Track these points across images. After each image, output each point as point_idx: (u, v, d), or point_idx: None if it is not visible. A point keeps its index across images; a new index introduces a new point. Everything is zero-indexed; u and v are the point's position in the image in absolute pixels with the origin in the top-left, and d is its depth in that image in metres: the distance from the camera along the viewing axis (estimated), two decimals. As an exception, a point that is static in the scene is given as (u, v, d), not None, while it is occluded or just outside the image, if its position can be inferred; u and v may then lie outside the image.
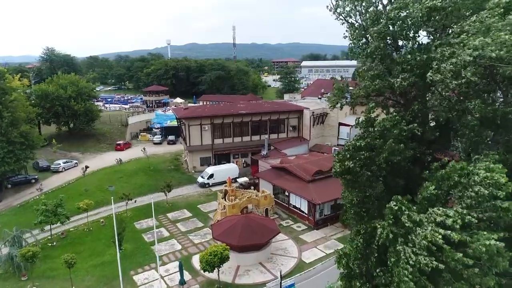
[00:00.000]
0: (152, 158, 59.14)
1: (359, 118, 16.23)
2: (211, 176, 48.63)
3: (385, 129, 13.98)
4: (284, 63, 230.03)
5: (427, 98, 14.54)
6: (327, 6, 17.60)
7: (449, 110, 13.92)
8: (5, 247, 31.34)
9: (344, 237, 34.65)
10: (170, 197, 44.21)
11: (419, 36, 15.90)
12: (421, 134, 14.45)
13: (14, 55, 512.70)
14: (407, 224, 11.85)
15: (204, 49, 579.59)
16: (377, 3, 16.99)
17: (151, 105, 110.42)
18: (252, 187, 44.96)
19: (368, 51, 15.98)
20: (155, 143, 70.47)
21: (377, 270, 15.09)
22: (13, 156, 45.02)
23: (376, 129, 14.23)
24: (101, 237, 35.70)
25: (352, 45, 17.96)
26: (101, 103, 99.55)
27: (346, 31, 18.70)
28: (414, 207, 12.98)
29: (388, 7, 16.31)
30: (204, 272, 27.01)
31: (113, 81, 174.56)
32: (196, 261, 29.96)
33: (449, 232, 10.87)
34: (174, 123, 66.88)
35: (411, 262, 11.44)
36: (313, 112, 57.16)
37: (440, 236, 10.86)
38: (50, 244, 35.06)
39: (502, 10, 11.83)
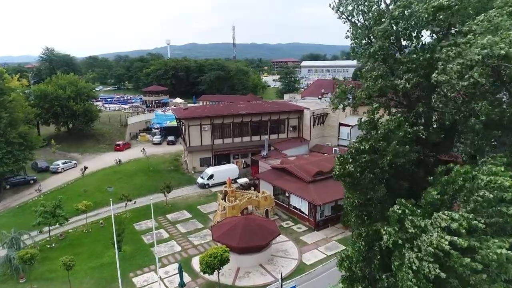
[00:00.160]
0: (152, 158, 58.85)
1: (361, 118, 15.94)
2: (211, 176, 48.36)
3: (389, 130, 13.67)
4: (284, 63, 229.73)
5: (433, 100, 14.20)
6: (330, 5, 17.33)
7: (455, 112, 13.61)
8: (3, 249, 31.06)
9: (345, 238, 34.42)
10: (169, 198, 43.93)
11: (422, 36, 15.61)
12: (426, 136, 14.13)
13: (14, 55, 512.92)
14: (410, 230, 11.57)
15: (204, 49, 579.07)
16: (379, 2, 16.72)
17: (150, 105, 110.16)
18: (252, 188, 44.70)
19: (371, 50, 15.67)
20: (154, 144, 70.20)
21: (381, 274, 14.84)
22: (11, 157, 44.75)
23: (380, 131, 13.90)
24: (100, 239, 35.41)
25: (355, 44, 17.68)
26: (100, 103, 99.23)
27: (348, 30, 18.44)
28: (419, 211, 12.72)
29: (391, 6, 16.02)
30: (204, 274, 26.75)
31: (112, 81, 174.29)
32: (196, 263, 29.70)
33: (455, 238, 10.58)
34: (174, 123, 66.60)
35: (414, 267, 11.17)
36: (313, 113, 56.91)
37: (446, 242, 10.57)
38: (48, 246, 34.77)
39: (510, 9, 11.53)
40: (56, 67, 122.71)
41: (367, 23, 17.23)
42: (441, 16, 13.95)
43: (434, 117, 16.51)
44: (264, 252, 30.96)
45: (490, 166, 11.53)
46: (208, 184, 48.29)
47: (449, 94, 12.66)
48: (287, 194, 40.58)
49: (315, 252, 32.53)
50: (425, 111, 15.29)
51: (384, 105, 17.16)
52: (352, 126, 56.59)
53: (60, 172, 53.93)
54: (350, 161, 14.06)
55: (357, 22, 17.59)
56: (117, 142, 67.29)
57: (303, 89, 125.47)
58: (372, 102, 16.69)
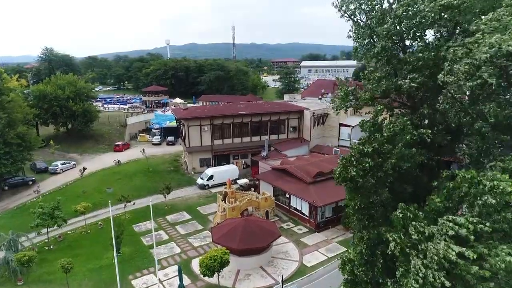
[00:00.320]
0: (151, 159, 58.57)
1: (364, 120, 15.62)
2: (211, 177, 48.07)
3: (395, 133, 13.33)
4: (283, 63, 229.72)
5: (440, 101, 13.87)
6: (333, 3, 17.02)
7: (462, 114, 13.27)
8: (1, 251, 30.72)
9: (346, 240, 34.18)
10: (169, 199, 43.63)
11: (425, 35, 15.28)
12: (432, 138, 13.81)
13: (14, 55, 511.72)
14: (413, 237, 11.28)
15: (204, 49, 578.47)
16: (382, 1, 16.40)
17: (150, 106, 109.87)
18: (252, 189, 44.42)
19: (375, 51, 15.34)
20: (154, 144, 69.95)
21: (384, 278, 14.55)
22: (9, 157, 44.47)
23: (385, 133, 13.55)
24: (99, 240, 35.06)
25: (357, 44, 17.37)
26: (100, 104, 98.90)
27: (350, 30, 18.14)
28: (421, 213, 12.43)
29: (394, 5, 15.71)
30: (204, 277, 26.45)
31: (112, 81, 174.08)
32: (195, 265, 29.40)
33: (464, 249, 10.27)
34: (173, 123, 66.34)
35: (420, 275, 10.87)
36: (313, 113, 56.62)
37: (454, 253, 10.27)
38: (47, 248, 34.46)
39: None
40: (56, 67, 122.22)
41: (369, 22, 16.93)
42: (447, 15, 13.61)
43: (439, 119, 16.19)
44: (265, 254, 30.67)
45: (495, 173, 11.26)
46: (208, 185, 48.00)
47: (456, 96, 12.32)
48: (287, 195, 40.29)
49: (316, 254, 32.23)
50: (430, 112, 14.96)
51: (387, 106, 16.85)
52: (353, 127, 56.33)
53: (59, 173, 53.62)
54: (354, 163, 13.73)
55: (359, 21, 17.27)
56: (117, 143, 67.03)
57: (303, 89, 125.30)
58: (375, 104, 16.36)
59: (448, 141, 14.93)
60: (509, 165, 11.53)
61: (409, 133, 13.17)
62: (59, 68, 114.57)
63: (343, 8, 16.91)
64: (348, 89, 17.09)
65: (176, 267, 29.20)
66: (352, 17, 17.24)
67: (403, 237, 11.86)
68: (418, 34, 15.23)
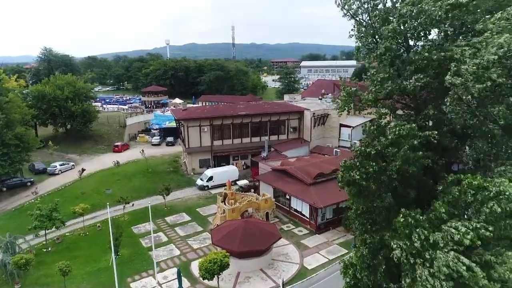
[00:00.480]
0: (151, 160, 58.23)
1: (368, 124, 15.27)
2: (210, 178, 47.74)
3: (400, 136, 12.94)
4: (283, 63, 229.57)
5: (447, 103, 13.51)
6: (336, 1, 16.67)
7: (469, 116, 12.90)
8: (-2, 254, 30.41)
9: (347, 241, 33.89)
10: (168, 200, 43.30)
11: (430, 34, 14.92)
12: (438, 140, 13.43)
13: (14, 55, 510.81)
14: (416, 244, 10.96)
15: (203, 49, 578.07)
16: (385, 0, 16.06)
17: (149, 106, 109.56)
18: (252, 190, 44.13)
19: (378, 52, 14.98)
20: (153, 145, 69.60)
21: (388, 283, 14.25)
22: (7, 159, 44.13)
23: (390, 136, 13.17)
24: (98, 242, 34.72)
25: (360, 44, 17.02)
26: (99, 104, 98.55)
27: (352, 30, 17.81)
28: (424, 218, 12.09)
29: (398, 4, 15.37)
30: (203, 280, 26.13)
31: (111, 81, 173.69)
32: (195, 267, 29.09)
33: (474, 265, 9.93)
34: (173, 124, 66.04)
35: (428, 286, 10.53)
36: (314, 113, 56.29)
37: (464, 268, 9.93)
38: (44, 250, 34.10)
39: None
40: (55, 67, 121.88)
41: (372, 22, 16.59)
42: (454, 14, 13.24)
43: (445, 121, 15.84)
44: (265, 256, 30.35)
45: (503, 180, 10.93)
46: (207, 186, 47.68)
47: (463, 98, 11.99)
48: (287, 197, 39.97)
49: (316, 256, 31.91)
50: (436, 114, 14.59)
51: (390, 107, 16.51)
52: (353, 127, 56.10)
53: (58, 174, 53.24)
54: (358, 165, 13.36)
55: (362, 20, 16.93)
56: (116, 143, 66.66)
57: (303, 90, 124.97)
58: (378, 105, 16.02)
59: (455, 143, 14.57)
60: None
61: (416, 136, 12.78)
62: (58, 68, 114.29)
63: (346, 7, 16.59)
64: (351, 90, 16.74)
65: (175, 270, 28.88)
66: (355, 16, 16.92)
67: (408, 243, 11.53)
68: (422, 34, 14.89)
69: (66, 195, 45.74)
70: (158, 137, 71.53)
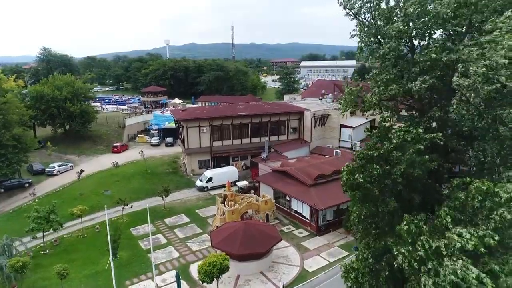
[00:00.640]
0: (150, 160, 57.85)
1: (372, 130, 14.90)
2: (210, 179, 47.38)
3: (404, 140, 12.55)
4: (283, 63, 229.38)
5: (453, 105, 13.11)
6: (338, 0, 16.30)
7: (476, 118, 12.52)
8: (-5, 256, 30.00)
9: (348, 243, 33.55)
10: (167, 202, 42.92)
11: (435, 33, 14.54)
12: (444, 142, 13.04)
13: (13, 55, 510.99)
14: (419, 253, 10.59)
15: (203, 49, 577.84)
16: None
17: (149, 106, 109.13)
18: (252, 191, 43.77)
19: (382, 52, 14.59)
20: (152, 145, 69.23)
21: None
22: (5, 160, 43.75)
23: (394, 141, 12.77)
24: (96, 244, 34.37)
25: (362, 44, 16.64)
26: (98, 104, 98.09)
27: (354, 29, 17.46)
28: (426, 227, 11.71)
29: (401, 3, 14.99)
30: (202, 283, 25.76)
31: (111, 81, 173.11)
32: (194, 270, 28.74)
33: (484, 275, 9.56)
34: (172, 124, 65.65)
35: None
36: (314, 114, 55.94)
37: (473, 275, 9.56)
38: (42, 252, 33.70)
39: None
40: (54, 67, 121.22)
41: (374, 21, 16.23)
42: (462, 13, 12.86)
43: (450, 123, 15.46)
44: (265, 259, 29.98)
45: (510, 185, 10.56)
46: (207, 187, 47.32)
47: (471, 100, 11.59)
48: (288, 198, 39.62)
49: (317, 258, 31.55)
50: (441, 116, 14.19)
51: (394, 108, 16.15)
52: (354, 128, 55.78)
53: (56, 175, 52.86)
54: (360, 168, 12.97)
55: (364, 20, 16.56)
56: (115, 144, 66.28)
57: (302, 90, 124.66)
58: (382, 107, 15.63)
59: (461, 145, 14.19)
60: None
61: (421, 139, 12.38)
62: (57, 69, 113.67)
63: (348, 6, 16.22)
64: (355, 89, 16.33)
65: (174, 272, 28.52)
66: (357, 16, 16.55)
67: (411, 249, 11.17)
68: (427, 34, 14.51)
69: (64, 196, 45.36)
70: (157, 138, 71.15)
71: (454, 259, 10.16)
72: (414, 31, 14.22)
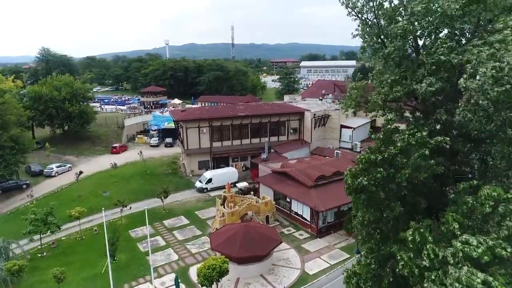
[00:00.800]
0: (149, 161, 57.46)
1: (373, 134, 14.52)
2: (210, 180, 46.99)
3: (409, 144, 12.16)
4: (283, 63, 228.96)
5: (460, 107, 12.74)
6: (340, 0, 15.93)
7: (484, 121, 12.14)
8: (-9, 259, 29.61)
9: (349, 246, 33.18)
10: (166, 203, 42.52)
11: (441, 32, 14.15)
12: (450, 146, 12.66)
13: (13, 55, 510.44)
14: (424, 262, 10.22)
15: (203, 50, 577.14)
16: (392, -2, 15.32)
17: (148, 106, 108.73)
18: (252, 192, 43.39)
19: (386, 51, 14.21)
20: (152, 146, 68.82)
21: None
22: (2, 161, 43.36)
23: (399, 144, 12.38)
24: (94, 246, 33.93)
25: (365, 44, 16.26)
26: (97, 104, 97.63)
27: (356, 29, 17.08)
28: (432, 235, 11.33)
29: (405, 2, 14.60)
30: (201, 287, 25.36)
31: (110, 81, 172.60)
32: (193, 273, 28.36)
33: (491, 279, 9.18)
34: (172, 125, 65.24)
35: None
36: (314, 114, 55.59)
37: (479, 280, 9.19)
38: (39, 255, 33.31)
39: None
40: (53, 67, 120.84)
41: (377, 21, 15.84)
42: (469, 11, 12.47)
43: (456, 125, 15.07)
44: (265, 262, 29.59)
45: None
46: (206, 188, 46.93)
47: (480, 102, 11.23)
48: (288, 199, 39.24)
49: (318, 261, 31.17)
50: (447, 118, 13.81)
51: (397, 110, 15.77)
52: (354, 128, 55.44)
53: (54, 176, 52.46)
54: (363, 171, 12.58)
55: (367, 20, 16.17)
56: (114, 145, 65.93)
57: (302, 90, 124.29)
58: (386, 109, 15.25)
59: (468, 148, 13.82)
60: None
61: (426, 143, 12.00)
62: (56, 69, 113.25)
63: (350, 5, 15.83)
64: (359, 84, 15.92)
65: (173, 275, 28.15)
66: (359, 15, 16.17)
67: (411, 255, 10.80)
68: (433, 33, 14.13)
69: (63, 197, 44.98)
70: (157, 138, 70.76)
71: (460, 266, 9.80)
72: (419, 31, 13.87)
